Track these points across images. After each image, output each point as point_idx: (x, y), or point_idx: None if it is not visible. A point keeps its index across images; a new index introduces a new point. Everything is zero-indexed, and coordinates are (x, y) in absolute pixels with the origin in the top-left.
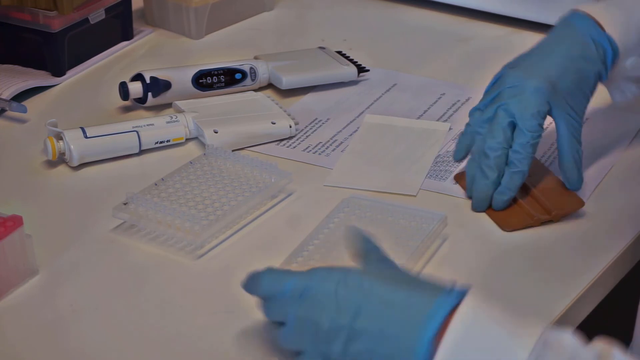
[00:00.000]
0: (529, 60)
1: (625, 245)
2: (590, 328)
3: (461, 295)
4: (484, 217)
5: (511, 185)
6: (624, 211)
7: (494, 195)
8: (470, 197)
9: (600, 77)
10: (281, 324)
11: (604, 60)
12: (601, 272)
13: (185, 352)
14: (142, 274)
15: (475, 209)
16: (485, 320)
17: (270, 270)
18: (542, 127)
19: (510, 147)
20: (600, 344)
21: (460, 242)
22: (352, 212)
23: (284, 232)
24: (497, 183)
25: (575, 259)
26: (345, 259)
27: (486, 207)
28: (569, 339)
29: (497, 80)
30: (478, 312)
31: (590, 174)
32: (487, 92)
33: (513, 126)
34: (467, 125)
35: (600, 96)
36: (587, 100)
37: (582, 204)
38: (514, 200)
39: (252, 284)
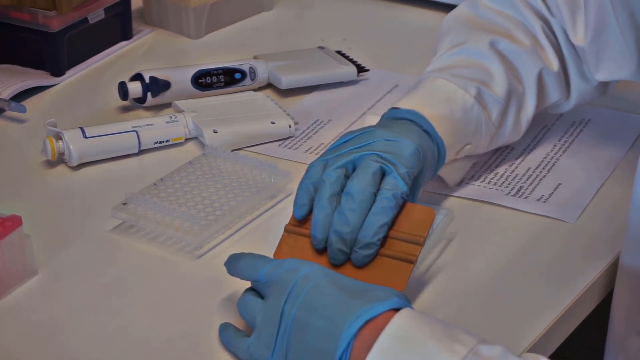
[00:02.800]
0: (397, 126)
1: (604, 267)
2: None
3: (395, 304)
4: (465, 224)
5: (377, 238)
6: (607, 227)
7: (354, 250)
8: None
9: (439, 166)
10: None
11: (440, 154)
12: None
13: (185, 353)
14: (142, 274)
15: (334, 263)
16: (419, 332)
17: (250, 256)
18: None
19: (375, 194)
20: (530, 355)
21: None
22: None
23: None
24: (356, 232)
25: (548, 286)
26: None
27: (345, 259)
28: (499, 350)
29: (365, 133)
30: (412, 323)
31: (583, 189)
32: (342, 143)
33: (381, 175)
34: (307, 177)
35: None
36: (422, 186)
37: (432, 213)
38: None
39: (231, 267)
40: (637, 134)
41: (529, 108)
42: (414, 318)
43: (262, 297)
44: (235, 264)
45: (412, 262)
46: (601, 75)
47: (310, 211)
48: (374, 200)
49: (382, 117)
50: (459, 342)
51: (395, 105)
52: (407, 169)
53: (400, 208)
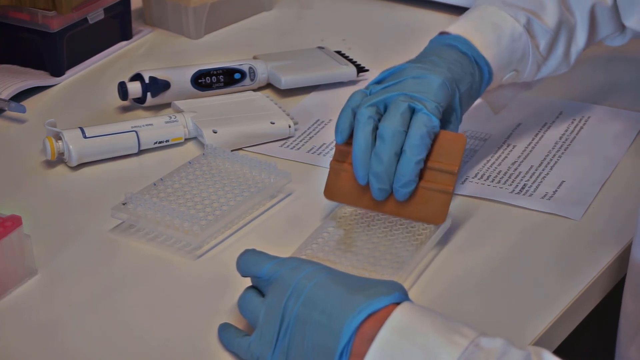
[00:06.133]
0: (429, 60)
1: (608, 263)
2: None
3: (396, 299)
4: (469, 222)
5: (413, 174)
6: (612, 224)
7: (394, 187)
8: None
9: (480, 90)
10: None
11: (483, 78)
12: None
13: (184, 352)
14: (141, 274)
15: (378, 199)
16: (420, 324)
17: (251, 252)
18: (440, 120)
19: (406, 132)
20: (532, 347)
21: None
22: (355, 211)
23: (283, 233)
24: (392, 169)
25: (556, 276)
26: (345, 260)
27: (387, 195)
28: (500, 342)
29: (397, 71)
30: (413, 316)
31: (585, 189)
32: (381, 80)
33: (411, 114)
34: (348, 105)
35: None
36: (467, 109)
37: (463, 139)
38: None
39: (237, 264)
40: (638, 131)
41: (580, 40)
42: (414, 311)
43: (262, 294)
44: (237, 261)
45: (449, 193)
46: (631, 23)
47: (351, 136)
48: (406, 138)
49: (430, 42)
50: (460, 334)
51: (445, 30)
52: (435, 103)
53: (434, 138)
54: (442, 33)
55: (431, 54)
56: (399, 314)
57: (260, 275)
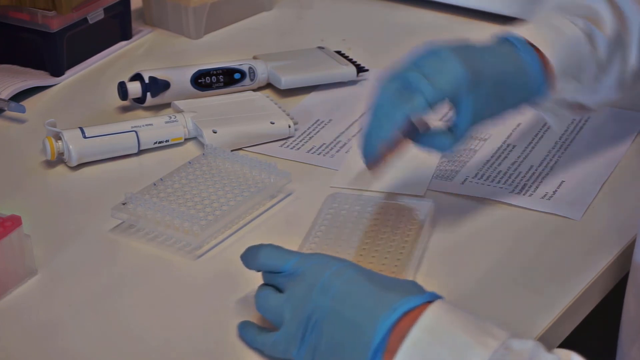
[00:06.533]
0: (469, 47)
1: (608, 263)
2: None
3: (430, 298)
4: (470, 222)
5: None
6: (612, 224)
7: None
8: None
9: (530, 100)
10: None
11: (538, 81)
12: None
13: (184, 352)
14: (141, 274)
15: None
16: (451, 324)
17: (271, 246)
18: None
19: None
20: (562, 350)
21: (443, 248)
22: (341, 207)
23: (283, 232)
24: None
25: (562, 271)
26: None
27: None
28: (531, 344)
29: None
30: (445, 316)
31: (585, 189)
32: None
33: (414, 88)
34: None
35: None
36: (501, 110)
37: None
38: None
39: (250, 258)
40: (638, 131)
41: (633, 60)
42: (446, 311)
43: (279, 291)
44: (255, 255)
45: None
46: None
47: None
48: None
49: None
50: (491, 336)
51: (506, 31)
52: (438, 90)
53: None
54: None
55: (480, 44)
56: (431, 313)
57: (284, 270)
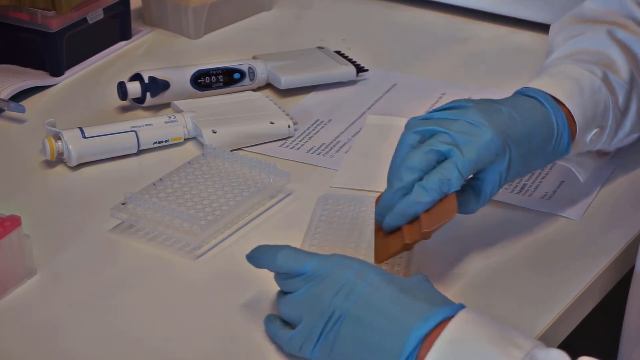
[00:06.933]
0: (496, 107)
1: (608, 263)
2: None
3: (458, 308)
4: (469, 221)
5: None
6: (612, 224)
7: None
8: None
9: (557, 157)
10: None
11: (565, 137)
12: (589, 284)
13: (184, 352)
14: (141, 274)
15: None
16: (475, 336)
17: (288, 247)
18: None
19: (425, 172)
20: (584, 358)
21: (439, 252)
22: (334, 208)
23: (283, 232)
24: (388, 204)
25: (563, 270)
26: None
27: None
28: (555, 354)
29: (460, 107)
30: (468, 326)
31: (584, 189)
32: (437, 111)
33: (443, 156)
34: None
35: None
36: (527, 172)
37: (452, 214)
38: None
39: (261, 258)
40: (638, 131)
41: None
42: (470, 322)
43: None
44: (273, 256)
45: (408, 247)
46: None
47: None
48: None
49: (514, 93)
50: (515, 346)
51: (526, 86)
52: (470, 159)
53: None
54: (523, 87)
55: (505, 101)
56: (455, 325)
57: (304, 272)
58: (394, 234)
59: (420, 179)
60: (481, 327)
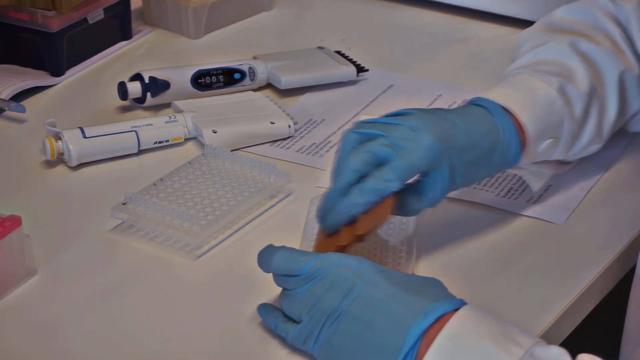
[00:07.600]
0: (441, 115)
1: (608, 262)
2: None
3: (458, 304)
4: (457, 225)
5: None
6: (608, 225)
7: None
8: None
9: (505, 166)
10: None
11: (512, 147)
12: (589, 284)
13: (184, 352)
14: (141, 274)
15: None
16: (476, 332)
17: (285, 249)
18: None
19: (364, 175)
20: (585, 355)
21: (437, 251)
22: None
23: (283, 232)
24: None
25: (561, 271)
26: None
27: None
28: (555, 351)
29: (401, 114)
30: (469, 323)
31: (573, 191)
32: (385, 116)
33: (382, 159)
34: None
35: None
36: (475, 180)
37: (386, 215)
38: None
39: (265, 262)
40: (628, 138)
41: (611, 112)
42: (471, 318)
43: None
44: (268, 258)
45: (343, 249)
46: None
47: None
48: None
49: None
50: (516, 344)
51: (479, 96)
52: (410, 164)
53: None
54: (475, 98)
55: (453, 110)
56: (456, 321)
57: (302, 273)
58: (336, 234)
59: (358, 180)
60: (482, 324)
